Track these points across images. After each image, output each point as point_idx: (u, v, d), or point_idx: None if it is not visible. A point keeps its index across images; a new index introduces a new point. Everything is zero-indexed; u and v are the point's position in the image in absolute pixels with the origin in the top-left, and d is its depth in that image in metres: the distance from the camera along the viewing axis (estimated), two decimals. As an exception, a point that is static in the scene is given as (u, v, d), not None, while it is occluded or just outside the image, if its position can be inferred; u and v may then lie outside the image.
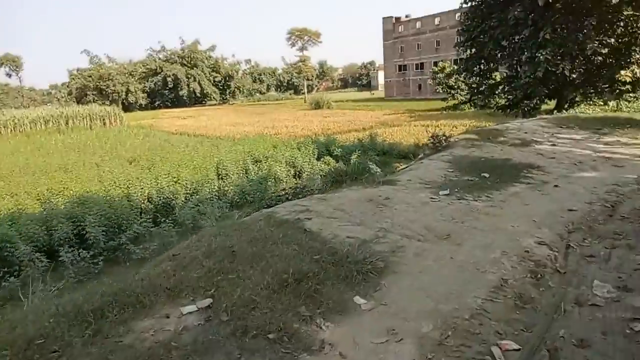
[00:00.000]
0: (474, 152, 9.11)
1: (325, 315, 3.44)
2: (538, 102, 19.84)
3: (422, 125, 37.67)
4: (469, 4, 20.38)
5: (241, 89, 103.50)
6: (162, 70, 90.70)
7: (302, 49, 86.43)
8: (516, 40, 18.93)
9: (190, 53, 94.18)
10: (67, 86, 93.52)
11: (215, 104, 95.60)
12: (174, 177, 17.49)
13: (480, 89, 22.29)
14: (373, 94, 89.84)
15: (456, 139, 10.34)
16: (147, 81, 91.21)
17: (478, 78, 21.92)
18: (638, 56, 16.86)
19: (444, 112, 42.15)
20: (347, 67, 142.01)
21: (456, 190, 6.67)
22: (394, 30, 73.32)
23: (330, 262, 4.15)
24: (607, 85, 18.25)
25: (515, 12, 17.57)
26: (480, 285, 3.98)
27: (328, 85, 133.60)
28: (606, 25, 17.10)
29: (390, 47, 74.27)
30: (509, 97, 20.54)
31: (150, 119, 60.08)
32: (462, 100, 33.09)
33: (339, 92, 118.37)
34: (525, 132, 11.19)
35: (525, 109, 19.66)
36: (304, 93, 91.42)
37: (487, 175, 7.41)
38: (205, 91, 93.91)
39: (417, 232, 5.14)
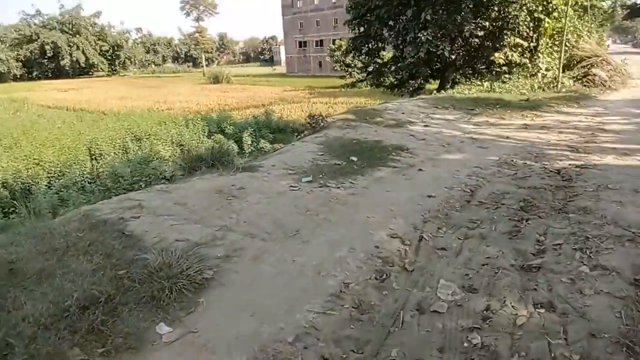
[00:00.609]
0: (348, 133, 8.73)
1: (109, 356, 2.68)
2: (422, 81, 20.40)
3: (321, 103, 37.79)
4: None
5: (132, 60, 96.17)
6: (38, 37, 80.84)
7: (197, 19, 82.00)
8: (401, 20, 19.12)
9: (72, 19, 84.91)
10: None
11: (103, 76, 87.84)
12: (36, 159, 15.43)
13: (369, 68, 22.45)
14: (275, 69, 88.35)
15: (333, 119, 9.92)
16: (22, 49, 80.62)
17: (367, 57, 21.99)
18: (509, 40, 17.86)
19: (342, 89, 42.57)
20: (249, 40, 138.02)
21: (320, 176, 6.18)
22: (293, 5, 72.01)
23: (136, 279, 3.36)
24: (484, 67, 19.22)
25: (398, -9, 17.70)
26: (317, 294, 3.47)
27: (229, 59, 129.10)
28: (482, 9, 17.82)
29: (290, 22, 73.02)
30: (396, 76, 20.86)
31: (25, 92, 53.50)
32: (358, 78, 33.40)
33: (240, 66, 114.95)
34: (403, 113, 11.12)
35: (410, 88, 20.13)
36: (203, 66, 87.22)
37: (355, 158, 7.02)
38: (91, 61, 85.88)
39: (264, 228, 4.53)
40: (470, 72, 19.67)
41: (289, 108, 34.21)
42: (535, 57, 18.65)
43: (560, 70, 16.43)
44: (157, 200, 5.04)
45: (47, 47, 79.98)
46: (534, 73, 18.30)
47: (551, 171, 6.56)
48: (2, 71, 77.56)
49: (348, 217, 4.88)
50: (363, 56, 22.08)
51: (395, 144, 8.06)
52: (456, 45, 18.25)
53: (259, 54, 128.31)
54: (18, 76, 79.87)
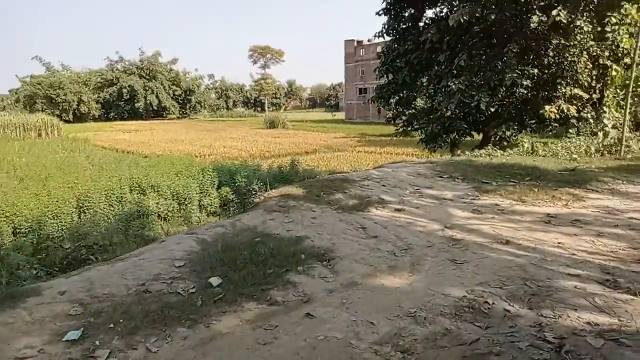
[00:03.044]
0: (270, 221, 5.99)
1: None
2: (457, 136, 17.23)
3: (366, 152, 35.41)
4: (389, 25, 17.77)
5: (202, 104, 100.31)
6: (118, 81, 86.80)
7: (264, 66, 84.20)
8: (434, 67, 16.35)
9: (150, 65, 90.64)
10: (15, 93, 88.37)
11: (174, 118, 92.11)
12: (5, 211, 14.16)
13: (398, 119, 19.64)
14: (334, 115, 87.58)
15: (270, 195, 7.28)
16: (102, 92, 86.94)
17: (397, 107, 19.22)
18: (564, 90, 14.39)
19: (395, 137, 40.11)
20: (316, 87, 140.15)
21: (111, 326, 3.52)
22: (355, 53, 71.86)
23: None
24: (535, 122, 15.75)
25: (430, 34, 14.96)
26: None
27: (296, 104, 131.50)
28: (530, 53, 14.64)
29: (352, 69, 72.64)
30: (429, 129, 17.77)
31: (91, 132, 56.51)
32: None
33: (305, 112, 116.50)
34: (383, 185, 8.17)
35: (442, 144, 17.02)
36: (265, 111, 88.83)
37: (216, 282, 4.25)
38: (163, 104, 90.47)
39: None
40: (517, 127, 16.22)
41: (329, 157, 32.12)
42: (600, 111, 14.91)
43: (625, 129, 12.56)
44: None
45: (124, 90, 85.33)
46: (596, 132, 14.55)
47: (547, 343, 3.34)
48: (83, 112, 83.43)
49: None
50: (393, 106, 19.37)
51: (320, 246, 5.21)
52: (498, 96, 15.03)
53: (325, 100, 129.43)
54: (97, 116, 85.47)
